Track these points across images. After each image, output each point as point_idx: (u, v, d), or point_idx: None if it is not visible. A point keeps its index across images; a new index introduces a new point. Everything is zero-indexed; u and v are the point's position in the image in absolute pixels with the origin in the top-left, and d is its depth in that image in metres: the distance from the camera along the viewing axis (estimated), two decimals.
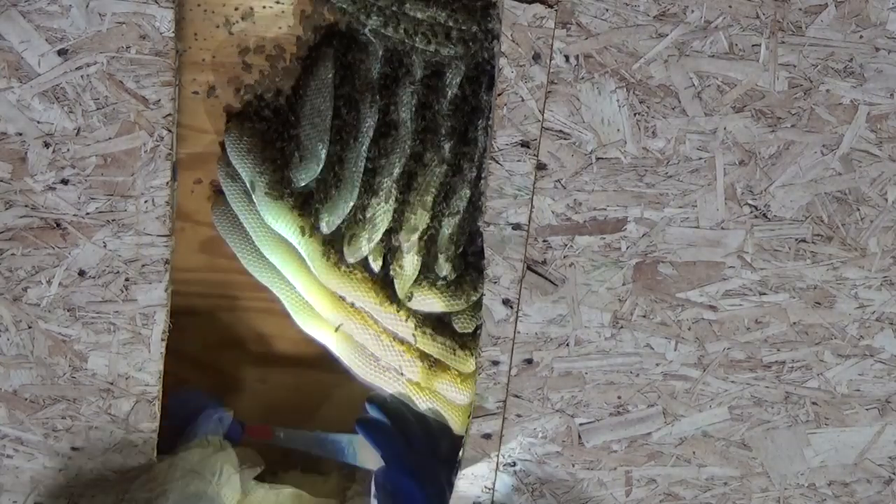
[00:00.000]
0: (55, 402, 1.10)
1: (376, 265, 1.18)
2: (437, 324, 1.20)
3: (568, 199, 1.06)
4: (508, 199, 1.06)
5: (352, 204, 1.14)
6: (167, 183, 1.05)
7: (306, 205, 1.16)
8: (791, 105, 1.06)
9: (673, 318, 1.11)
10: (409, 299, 1.17)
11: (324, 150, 1.13)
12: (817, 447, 1.17)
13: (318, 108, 1.12)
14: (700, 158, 1.06)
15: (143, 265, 1.07)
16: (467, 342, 1.19)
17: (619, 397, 1.13)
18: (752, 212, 1.09)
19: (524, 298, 1.09)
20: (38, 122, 1.01)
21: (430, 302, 1.17)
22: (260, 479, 1.21)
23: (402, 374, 1.20)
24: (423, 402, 1.19)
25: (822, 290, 1.12)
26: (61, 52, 1.00)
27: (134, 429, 1.12)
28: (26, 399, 1.10)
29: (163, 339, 1.10)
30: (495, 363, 1.11)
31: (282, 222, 1.15)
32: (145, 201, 1.05)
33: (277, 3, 1.11)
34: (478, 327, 1.14)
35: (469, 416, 1.14)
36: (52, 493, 1.14)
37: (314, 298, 1.20)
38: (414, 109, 1.11)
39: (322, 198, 1.15)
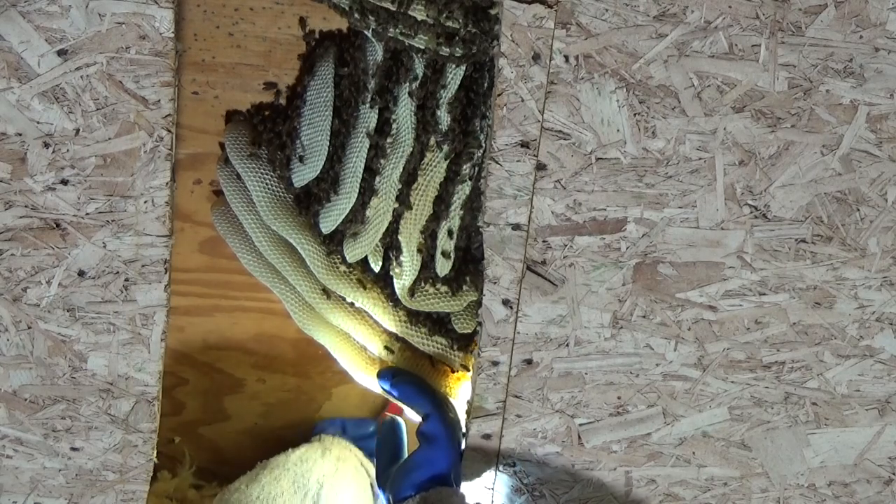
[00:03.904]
0: (55, 402, 1.11)
1: (376, 265, 1.18)
2: (436, 323, 1.20)
3: (568, 200, 1.06)
4: (508, 200, 1.06)
5: (351, 204, 1.14)
6: (167, 183, 1.05)
7: (306, 205, 1.16)
8: (791, 105, 1.06)
9: (673, 319, 1.11)
10: (409, 299, 1.18)
11: (323, 150, 1.13)
12: (817, 447, 1.17)
13: (317, 107, 1.13)
14: (700, 159, 1.06)
15: (142, 265, 1.07)
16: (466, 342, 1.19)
17: (618, 398, 1.13)
18: (751, 212, 1.09)
19: (524, 299, 1.09)
20: (38, 123, 1.02)
21: (430, 302, 1.17)
22: None
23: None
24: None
25: (822, 290, 1.12)
26: (61, 53, 1.00)
27: (134, 429, 1.12)
28: (26, 399, 1.10)
29: (163, 340, 1.10)
30: (495, 363, 1.11)
31: (281, 222, 1.15)
32: (145, 202, 1.05)
33: (277, 3, 1.11)
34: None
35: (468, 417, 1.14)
36: (52, 493, 1.14)
37: (314, 299, 1.20)
38: (414, 109, 1.11)
39: (321, 198, 1.15)
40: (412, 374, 1.18)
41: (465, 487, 1.15)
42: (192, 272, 1.22)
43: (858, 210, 1.09)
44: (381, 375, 1.19)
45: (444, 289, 1.17)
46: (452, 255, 1.15)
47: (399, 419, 1.19)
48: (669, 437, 1.15)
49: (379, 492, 1.15)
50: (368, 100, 1.11)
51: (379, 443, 1.18)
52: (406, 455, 1.17)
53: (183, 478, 1.30)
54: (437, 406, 1.13)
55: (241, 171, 1.14)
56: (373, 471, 1.18)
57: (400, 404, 1.19)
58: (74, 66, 1.00)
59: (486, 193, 1.06)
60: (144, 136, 1.03)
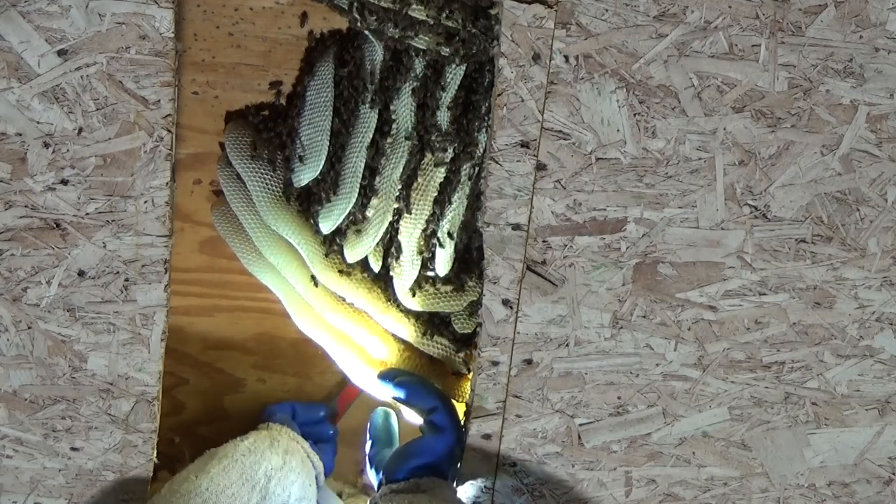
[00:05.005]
0: (55, 402, 1.11)
1: (376, 265, 1.18)
2: (436, 324, 1.20)
3: (568, 200, 1.06)
4: (508, 200, 1.06)
5: (351, 204, 1.14)
6: (167, 183, 1.05)
7: (306, 205, 1.16)
8: (791, 105, 1.06)
9: (673, 319, 1.11)
10: (410, 299, 1.17)
11: (323, 150, 1.13)
12: (817, 447, 1.17)
13: (317, 107, 1.12)
14: (700, 159, 1.06)
15: (142, 265, 1.07)
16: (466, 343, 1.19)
17: (618, 398, 1.13)
18: (751, 212, 1.09)
19: (524, 299, 1.09)
20: (38, 123, 1.02)
21: (431, 302, 1.17)
22: None
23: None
24: None
25: (822, 290, 1.12)
26: (61, 53, 1.00)
27: (134, 429, 1.12)
28: (26, 399, 1.10)
29: (162, 340, 1.10)
30: (495, 363, 1.11)
31: (282, 223, 1.15)
32: (145, 202, 1.05)
33: (277, 3, 1.11)
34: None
35: (468, 416, 1.14)
36: (52, 493, 1.14)
37: (314, 298, 1.20)
38: (414, 109, 1.11)
39: (321, 198, 1.15)
40: (413, 374, 1.19)
41: (465, 487, 1.15)
42: (192, 272, 1.22)
43: (858, 210, 1.09)
44: (381, 376, 1.19)
45: (444, 288, 1.17)
46: (452, 254, 1.15)
47: (391, 411, 1.23)
48: (669, 437, 1.15)
49: (371, 470, 1.18)
50: (368, 100, 1.11)
51: (373, 428, 1.22)
52: (398, 442, 1.20)
53: None
54: (443, 400, 1.15)
55: (241, 171, 1.14)
56: (318, 463, 1.20)
57: (401, 405, 1.19)
58: (74, 66, 1.00)
59: (486, 193, 1.06)
60: (144, 136, 1.03)
